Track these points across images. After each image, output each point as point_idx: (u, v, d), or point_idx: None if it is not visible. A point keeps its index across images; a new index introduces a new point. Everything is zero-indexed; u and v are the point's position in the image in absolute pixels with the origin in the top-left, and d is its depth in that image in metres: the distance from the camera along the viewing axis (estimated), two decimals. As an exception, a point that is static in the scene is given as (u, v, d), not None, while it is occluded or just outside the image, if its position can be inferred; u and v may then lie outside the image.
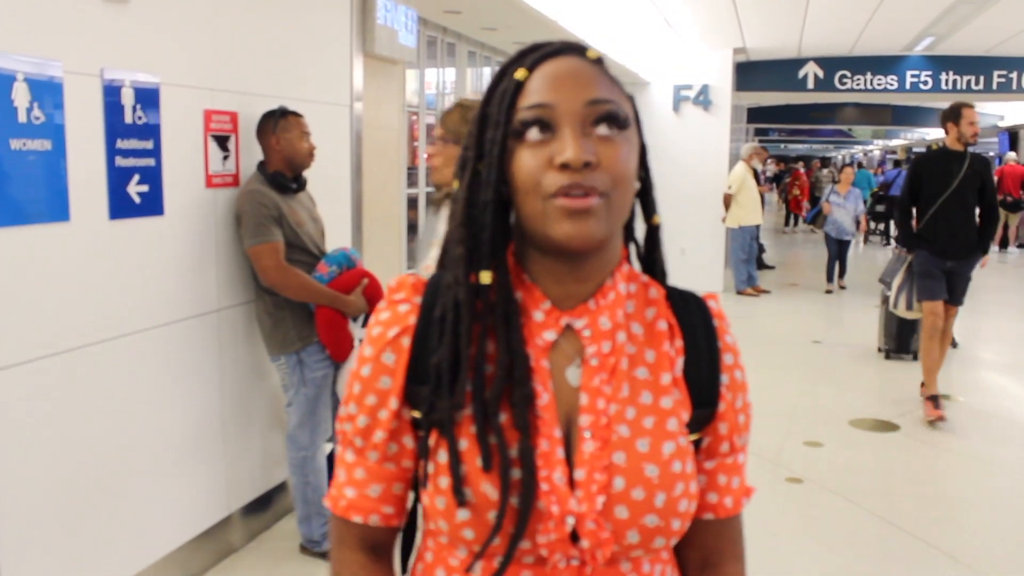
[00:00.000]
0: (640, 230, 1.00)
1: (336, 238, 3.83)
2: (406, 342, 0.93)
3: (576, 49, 0.93)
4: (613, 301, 0.94)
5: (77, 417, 2.60)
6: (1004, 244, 15.62)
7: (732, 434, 0.98)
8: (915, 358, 6.60)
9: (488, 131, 0.90)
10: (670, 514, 0.89)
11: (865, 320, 7.99)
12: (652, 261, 1.01)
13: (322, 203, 3.58)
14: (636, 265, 1.02)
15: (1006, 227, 15.37)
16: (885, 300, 6.60)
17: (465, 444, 0.88)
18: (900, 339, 6.84)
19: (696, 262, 9.99)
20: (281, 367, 3.35)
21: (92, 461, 2.67)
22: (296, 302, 3.25)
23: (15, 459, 2.39)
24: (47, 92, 2.40)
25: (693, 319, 0.98)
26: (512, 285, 0.92)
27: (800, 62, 11.57)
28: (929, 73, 11.33)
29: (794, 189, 18.81)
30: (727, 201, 9.85)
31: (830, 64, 11.51)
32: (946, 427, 5.26)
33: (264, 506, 3.63)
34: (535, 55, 0.91)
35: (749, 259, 10.13)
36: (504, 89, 0.90)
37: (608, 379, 0.92)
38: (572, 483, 0.88)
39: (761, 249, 11.88)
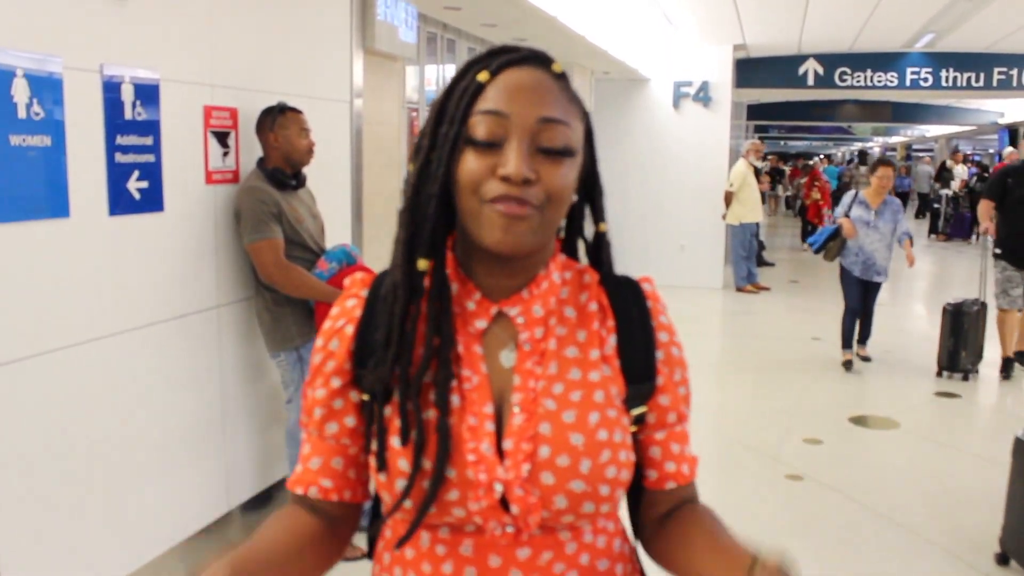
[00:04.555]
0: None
1: (336, 234, 3.83)
2: (350, 330, 1.01)
3: (542, 60, 0.97)
4: (546, 290, 1.00)
5: (77, 413, 2.60)
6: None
7: (678, 404, 1.05)
8: None
9: (443, 125, 0.94)
10: (596, 480, 0.93)
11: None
12: (598, 261, 1.06)
13: (322, 199, 3.58)
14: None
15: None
16: None
17: (398, 422, 0.94)
18: None
19: (696, 259, 9.98)
20: (281, 364, 3.35)
21: (91, 457, 2.66)
22: (296, 299, 3.25)
23: (14, 455, 2.39)
24: (47, 88, 2.40)
25: (627, 301, 1.04)
26: (447, 274, 0.98)
27: (800, 59, 11.57)
28: (929, 70, 11.32)
29: (812, 192, 14.03)
30: (728, 199, 9.83)
31: (830, 61, 11.51)
32: (946, 423, 5.26)
33: (264, 503, 3.63)
34: (501, 59, 0.95)
35: (749, 256, 10.11)
36: (465, 87, 0.94)
37: (539, 360, 0.98)
38: (502, 454, 0.93)
39: (761, 246, 11.86)
